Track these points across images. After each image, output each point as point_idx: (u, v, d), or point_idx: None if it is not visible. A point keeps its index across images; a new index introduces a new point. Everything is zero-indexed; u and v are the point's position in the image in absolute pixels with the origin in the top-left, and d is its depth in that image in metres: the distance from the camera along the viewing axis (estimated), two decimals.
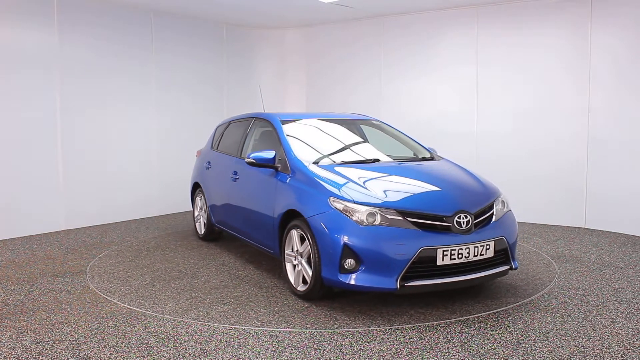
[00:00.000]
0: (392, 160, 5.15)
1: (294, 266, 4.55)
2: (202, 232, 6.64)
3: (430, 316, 4.07)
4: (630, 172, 6.83)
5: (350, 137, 5.57)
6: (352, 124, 5.74)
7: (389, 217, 4.02)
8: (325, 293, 4.35)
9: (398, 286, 3.90)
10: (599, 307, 4.27)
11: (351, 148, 5.34)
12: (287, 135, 5.20)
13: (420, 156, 5.37)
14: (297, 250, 4.48)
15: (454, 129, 8.19)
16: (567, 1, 7.24)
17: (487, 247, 4.15)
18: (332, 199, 4.21)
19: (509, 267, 4.38)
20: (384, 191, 4.28)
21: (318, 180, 4.46)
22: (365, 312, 4.16)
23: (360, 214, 4.03)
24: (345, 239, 3.98)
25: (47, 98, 7.05)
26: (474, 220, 4.18)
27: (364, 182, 4.40)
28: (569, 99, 7.31)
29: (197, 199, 6.80)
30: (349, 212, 4.07)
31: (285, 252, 4.63)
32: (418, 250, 3.91)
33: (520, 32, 7.59)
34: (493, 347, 3.52)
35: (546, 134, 7.49)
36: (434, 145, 7.96)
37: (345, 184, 4.37)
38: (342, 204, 4.14)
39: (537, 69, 7.51)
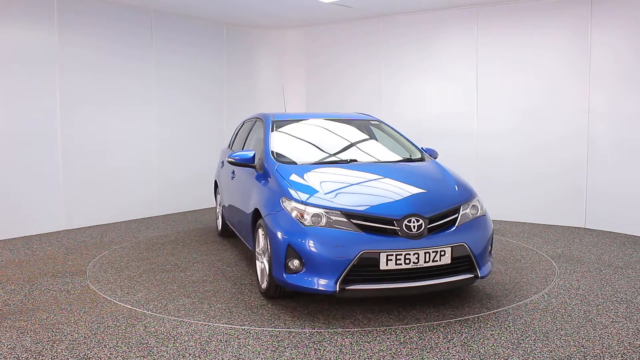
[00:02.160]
0: (370, 161, 5.03)
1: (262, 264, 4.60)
2: (219, 229, 6.88)
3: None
4: (630, 171, 6.83)
5: (343, 137, 5.51)
6: (349, 123, 5.73)
7: (334, 218, 3.96)
8: (283, 292, 4.34)
9: (337, 289, 3.83)
10: (599, 307, 4.27)
11: (335, 148, 5.24)
12: (276, 135, 5.26)
13: (411, 157, 5.21)
14: (262, 249, 4.52)
15: (453, 128, 8.19)
16: (567, 1, 7.24)
17: (442, 253, 3.95)
18: (283, 198, 4.23)
19: (473, 275, 4.12)
20: (337, 192, 4.21)
21: (278, 180, 4.50)
22: (316, 313, 4.16)
23: (306, 214, 4.01)
24: (290, 239, 3.98)
25: (47, 98, 7.05)
26: (428, 224, 3.99)
27: (321, 183, 4.34)
28: (569, 98, 7.31)
29: (217, 196, 7.05)
30: (296, 213, 4.07)
31: (256, 250, 4.69)
32: (359, 254, 3.80)
33: (520, 31, 7.60)
34: (493, 347, 3.52)
35: (546, 133, 7.49)
36: (433, 144, 7.96)
37: (300, 184, 4.34)
38: (290, 204, 4.14)
39: (537, 69, 7.51)
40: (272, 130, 5.32)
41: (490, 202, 7.99)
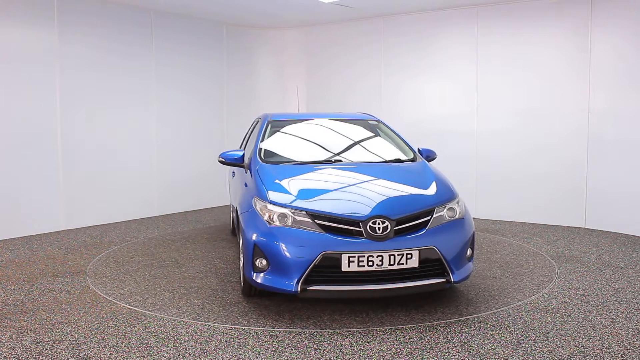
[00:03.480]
0: (356, 161, 5.00)
1: None
2: (231, 227, 6.98)
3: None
4: (630, 171, 6.83)
5: (336, 137, 5.50)
6: (347, 124, 5.73)
7: (298, 218, 3.96)
8: (259, 290, 4.34)
9: (299, 289, 3.83)
10: (599, 307, 4.27)
11: (325, 149, 5.22)
12: (269, 135, 5.34)
13: (400, 158, 5.11)
14: (240, 247, 4.59)
15: (454, 128, 8.19)
16: (567, 1, 7.24)
17: (409, 256, 3.87)
18: (255, 198, 4.27)
19: (444, 280, 4.02)
20: (307, 193, 4.20)
21: (255, 179, 4.56)
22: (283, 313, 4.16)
23: (273, 214, 4.03)
24: (256, 238, 4.02)
25: (47, 98, 7.05)
26: (395, 226, 3.92)
27: (295, 184, 4.35)
28: (569, 98, 7.31)
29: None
30: (264, 212, 4.09)
31: (240, 248, 4.72)
32: (319, 254, 3.79)
33: (520, 31, 7.60)
34: (493, 347, 3.52)
35: (546, 133, 7.49)
36: (433, 144, 7.96)
37: (275, 184, 4.35)
38: (260, 203, 4.19)
39: (537, 68, 7.51)
40: (266, 131, 5.40)
41: (491, 202, 8.01)
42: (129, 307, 4.31)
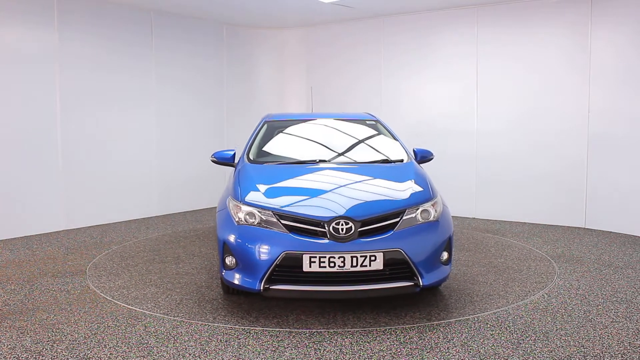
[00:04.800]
0: (341, 162, 4.99)
1: None
2: None
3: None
4: (630, 171, 6.83)
5: (330, 137, 5.51)
6: (345, 124, 5.72)
7: (265, 218, 3.99)
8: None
9: (262, 288, 3.87)
10: (599, 307, 4.27)
11: (314, 149, 5.25)
12: (263, 135, 5.40)
13: (389, 159, 5.03)
14: None
15: (454, 128, 8.20)
16: (567, 1, 7.24)
17: (373, 258, 3.83)
18: (230, 197, 4.35)
19: (412, 283, 3.94)
20: (278, 193, 4.25)
21: (234, 179, 4.65)
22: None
23: (241, 212, 4.09)
24: (225, 236, 4.09)
25: (47, 97, 7.05)
26: (360, 228, 3.88)
27: (269, 183, 4.41)
28: (569, 97, 7.32)
29: None
30: (235, 211, 4.15)
31: None
32: (281, 254, 3.81)
33: (520, 30, 7.60)
34: (493, 347, 3.52)
35: (546, 132, 7.50)
36: (433, 144, 7.97)
37: (250, 184, 4.41)
38: (233, 202, 4.26)
39: (537, 68, 7.51)
40: (261, 130, 5.48)
41: (491, 202, 8.01)
42: (129, 307, 4.31)
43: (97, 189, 7.63)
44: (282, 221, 3.94)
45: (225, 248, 4.08)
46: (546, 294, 4.59)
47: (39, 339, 3.67)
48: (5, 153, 6.70)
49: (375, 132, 5.62)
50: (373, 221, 3.95)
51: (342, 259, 3.80)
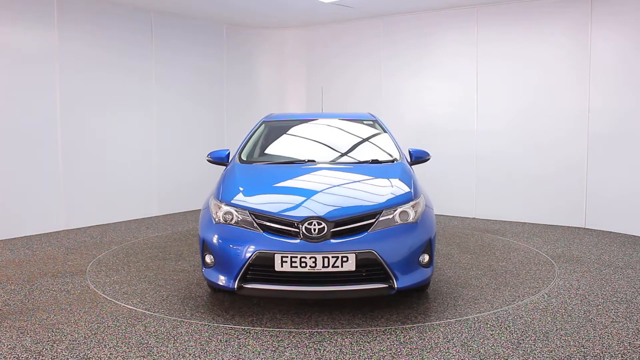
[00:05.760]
0: (329, 161, 4.99)
1: None
2: None
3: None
4: (630, 171, 6.83)
5: (325, 137, 5.52)
6: (342, 124, 5.72)
7: (241, 217, 4.04)
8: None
9: (236, 286, 3.91)
10: (599, 307, 4.27)
11: (306, 149, 5.28)
12: (258, 135, 5.46)
13: (379, 159, 4.99)
14: None
15: (454, 127, 8.20)
16: (567, 0, 7.24)
17: (345, 259, 3.81)
18: (212, 196, 4.41)
19: (387, 285, 3.90)
20: (257, 192, 4.31)
21: (221, 178, 4.71)
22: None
23: (220, 212, 4.14)
24: (204, 235, 4.17)
25: (47, 97, 7.05)
26: (333, 228, 3.87)
27: (251, 183, 4.47)
28: (569, 97, 7.32)
29: None
30: (214, 210, 4.22)
31: None
32: (254, 253, 3.85)
33: (520, 30, 7.60)
34: (493, 347, 3.52)
35: (546, 132, 7.50)
36: (433, 144, 7.98)
37: (233, 183, 4.48)
38: (214, 201, 4.32)
39: (537, 68, 7.52)
40: (257, 130, 5.52)
41: (490, 202, 8.01)
42: (129, 307, 4.31)
43: (97, 189, 7.63)
44: (257, 221, 3.98)
45: (204, 246, 4.17)
46: (546, 294, 4.59)
47: (39, 339, 3.67)
48: (6, 153, 6.70)
49: (372, 133, 5.60)
50: (347, 222, 3.93)
51: (313, 260, 3.80)
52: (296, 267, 3.81)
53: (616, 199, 6.98)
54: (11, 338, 3.70)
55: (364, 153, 5.18)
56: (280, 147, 5.43)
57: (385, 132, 5.54)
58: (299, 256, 3.80)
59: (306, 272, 3.81)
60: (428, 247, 4.12)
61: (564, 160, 7.38)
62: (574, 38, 7.22)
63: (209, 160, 5.27)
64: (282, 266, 3.82)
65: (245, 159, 5.10)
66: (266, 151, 5.36)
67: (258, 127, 5.58)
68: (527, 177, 7.68)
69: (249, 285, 3.92)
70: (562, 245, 6.33)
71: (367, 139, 5.51)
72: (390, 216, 4.03)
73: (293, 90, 9.95)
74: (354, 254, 3.83)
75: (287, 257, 3.82)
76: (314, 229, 3.86)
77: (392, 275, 3.90)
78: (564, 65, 7.32)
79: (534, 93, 7.57)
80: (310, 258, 3.80)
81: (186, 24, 8.73)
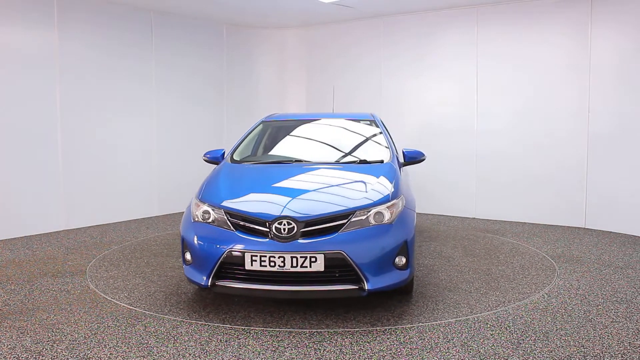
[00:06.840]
0: (315, 161, 4.99)
1: None
2: None
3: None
4: (630, 171, 6.83)
5: (320, 137, 5.52)
6: (340, 124, 5.73)
7: (218, 216, 4.11)
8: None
9: (209, 284, 3.98)
10: (599, 307, 4.27)
11: (297, 148, 5.34)
12: (254, 135, 5.52)
13: (367, 160, 4.96)
14: None
15: (454, 127, 8.20)
16: (567, 0, 7.24)
17: (314, 259, 3.80)
18: (195, 195, 4.48)
19: (357, 287, 3.86)
20: (235, 192, 4.40)
21: (209, 176, 4.76)
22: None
23: (199, 211, 4.22)
24: (184, 232, 4.25)
25: (47, 98, 7.05)
26: (303, 228, 3.87)
27: (231, 183, 4.56)
28: (569, 97, 7.32)
29: None
30: (194, 209, 4.31)
31: None
32: (225, 252, 3.91)
33: (520, 30, 7.60)
34: (493, 347, 3.52)
35: (546, 132, 7.50)
36: (433, 143, 7.97)
37: (215, 182, 4.57)
38: (194, 200, 4.40)
39: (537, 68, 7.51)
40: (253, 130, 5.58)
41: (490, 202, 8.01)
42: (129, 307, 4.31)
43: (97, 189, 7.63)
44: (232, 220, 4.04)
45: (183, 244, 4.26)
46: (546, 294, 4.59)
47: (39, 339, 3.67)
48: (6, 153, 6.70)
49: (368, 133, 5.57)
50: (317, 222, 3.93)
51: (282, 259, 3.83)
52: (265, 266, 3.85)
53: (616, 199, 6.98)
54: (11, 338, 3.70)
55: (354, 153, 5.20)
56: (271, 147, 5.50)
57: (381, 132, 5.48)
58: (267, 255, 3.84)
59: (275, 271, 3.85)
60: (404, 248, 4.03)
61: (564, 160, 7.38)
62: (573, 38, 7.22)
63: (205, 160, 5.32)
64: (252, 265, 3.87)
65: (236, 159, 5.17)
66: (258, 151, 5.44)
67: (256, 127, 5.64)
68: (527, 177, 7.68)
69: (220, 282, 3.99)
70: (562, 245, 6.33)
71: (361, 139, 5.51)
72: (364, 217, 3.99)
73: (293, 90, 9.95)
74: (323, 255, 3.82)
75: (256, 256, 3.86)
76: (284, 229, 3.88)
77: (362, 276, 3.86)
78: (563, 65, 7.32)
79: (534, 93, 7.57)
80: (279, 258, 3.83)
81: (186, 24, 8.73)
